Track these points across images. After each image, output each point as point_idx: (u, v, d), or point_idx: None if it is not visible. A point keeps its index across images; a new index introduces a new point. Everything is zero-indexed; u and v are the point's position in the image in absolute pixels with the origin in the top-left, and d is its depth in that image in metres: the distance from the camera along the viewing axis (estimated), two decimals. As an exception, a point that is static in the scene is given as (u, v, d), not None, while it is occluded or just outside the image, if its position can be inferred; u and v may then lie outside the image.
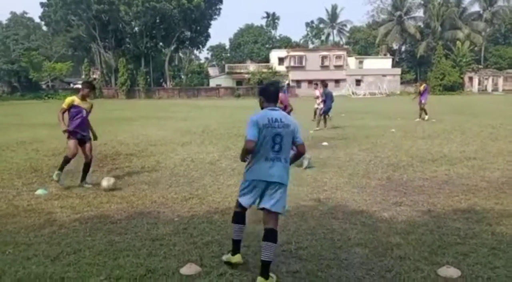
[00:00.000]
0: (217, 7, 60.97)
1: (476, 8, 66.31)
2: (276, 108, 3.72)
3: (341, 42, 77.17)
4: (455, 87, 55.14)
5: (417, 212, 5.23)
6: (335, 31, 78.49)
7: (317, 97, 16.01)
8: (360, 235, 4.47)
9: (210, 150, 10.48)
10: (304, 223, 4.90)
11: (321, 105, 15.27)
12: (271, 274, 3.47)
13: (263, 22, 79.99)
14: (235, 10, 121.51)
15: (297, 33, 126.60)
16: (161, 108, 29.73)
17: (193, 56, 79.99)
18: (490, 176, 7.10)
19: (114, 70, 56.46)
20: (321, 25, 79.49)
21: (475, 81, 59.02)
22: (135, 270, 3.65)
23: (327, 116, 15.24)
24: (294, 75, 57.60)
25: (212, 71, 67.86)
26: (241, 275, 3.56)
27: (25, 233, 4.64)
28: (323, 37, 79.52)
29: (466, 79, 58.35)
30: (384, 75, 58.03)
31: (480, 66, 60.64)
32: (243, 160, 3.81)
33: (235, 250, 3.74)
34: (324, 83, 16.22)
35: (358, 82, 58.15)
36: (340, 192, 6.24)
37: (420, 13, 67.73)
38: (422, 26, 66.08)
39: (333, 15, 76.61)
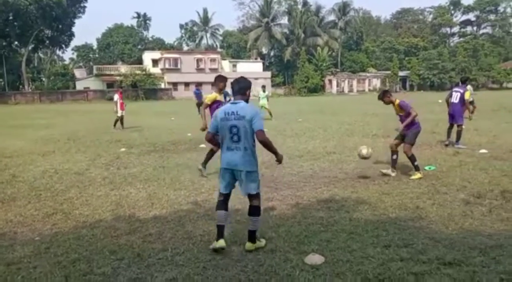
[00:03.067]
0: (82, 4, 56.66)
1: (332, 17, 74.02)
2: (238, 101, 4.07)
3: (215, 46, 78.53)
4: (317, 89, 60.71)
5: (287, 206, 5.61)
6: (208, 35, 79.52)
7: None
8: (235, 233, 4.59)
9: (77, 158, 9.69)
10: (181, 228, 4.85)
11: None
12: (260, 239, 4.19)
13: (134, 22, 77.03)
14: (102, 9, 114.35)
15: (170, 35, 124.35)
16: (18, 115, 26.47)
17: (55, 57, 73.12)
18: (347, 168, 7.97)
19: (-44, 73, 48.48)
20: (195, 28, 79.74)
21: (334, 83, 65.83)
22: (-16, 303, 3.18)
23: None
24: (169, 77, 56.68)
25: (78, 73, 62.76)
26: (113, 290, 3.37)
27: None
28: (197, 40, 79.91)
29: (326, 81, 64.77)
30: (256, 79, 60.59)
31: (337, 70, 67.84)
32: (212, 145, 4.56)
33: (219, 235, 4.07)
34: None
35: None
36: (217, 193, 6.30)
37: (285, 20, 72.87)
38: (287, 32, 71.04)
39: (205, 18, 77.46)
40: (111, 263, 3.87)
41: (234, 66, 62.68)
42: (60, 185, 7.10)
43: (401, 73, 69.07)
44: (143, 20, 77.22)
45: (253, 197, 4.15)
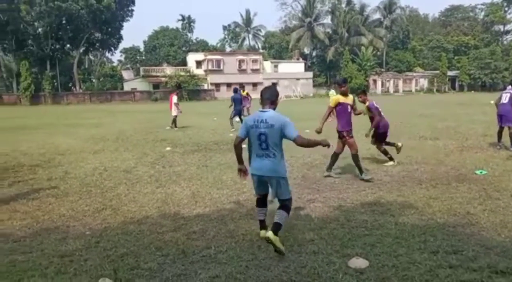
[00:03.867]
0: (129, 8, 58.91)
1: (377, 15, 72.28)
2: (266, 109, 4.12)
3: (257, 47, 78.95)
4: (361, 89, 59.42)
5: (329, 208, 5.53)
6: (250, 36, 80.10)
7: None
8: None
9: (125, 157, 10.06)
10: (224, 226, 4.91)
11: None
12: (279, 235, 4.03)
13: (179, 25, 78.94)
14: (149, 12, 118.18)
15: (213, 37, 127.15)
16: (71, 115, 27.87)
17: (104, 59, 76.31)
18: (393, 171, 7.75)
19: (16, 75, 51.68)
20: (237, 29, 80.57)
21: (379, 83, 64.22)
22: (41, 291, 3.38)
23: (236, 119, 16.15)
24: (212, 78, 57.65)
25: (126, 74, 65.21)
26: (159, 285, 3.47)
27: None
28: (239, 41, 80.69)
29: (370, 81, 63.30)
30: (298, 79, 60.53)
31: (382, 70, 66.16)
32: (236, 157, 4.53)
33: (262, 227, 4.40)
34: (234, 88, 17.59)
35: (274, 85, 59.95)
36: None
37: (328, 20, 72.03)
38: (330, 32, 70.18)
39: (248, 19, 78.09)
40: (157, 259, 3.98)
41: (276, 67, 62.73)
42: (109, 182, 7.41)
43: (450, 73, 66.32)
44: (188, 22, 78.96)
45: (285, 201, 4.22)
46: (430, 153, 9.44)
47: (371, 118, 8.05)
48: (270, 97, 4.20)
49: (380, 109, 8.13)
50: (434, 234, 4.45)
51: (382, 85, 64.85)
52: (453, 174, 7.31)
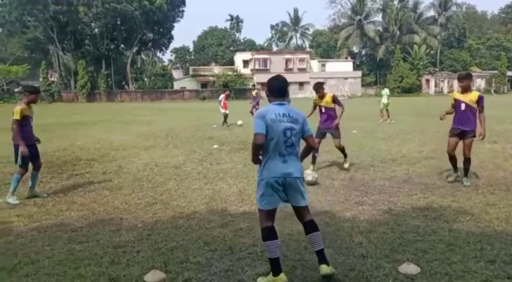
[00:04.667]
0: (180, 9, 60.51)
1: (431, 13, 69.40)
2: (284, 102, 3.59)
3: (304, 46, 78.40)
4: (412, 89, 57.33)
5: (378, 211, 5.38)
6: (298, 35, 79.64)
7: None
8: (324, 235, 4.50)
9: (174, 153, 10.35)
10: (270, 225, 4.91)
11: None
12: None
13: (227, 24, 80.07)
14: (198, 13, 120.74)
15: (261, 36, 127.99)
16: (123, 112, 29.08)
17: (156, 58, 78.84)
18: (447, 175, 7.40)
19: (74, 73, 54.75)
20: (285, 28, 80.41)
21: (432, 83, 61.60)
22: (97, 279, 3.55)
23: None
24: (259, 77, 57.86)
25: (176, 73, 67.08)
26: (207, 279, 3.54)
27: (-22, 244, 4.41)
28: (287, 40, 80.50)
29: (423, 81, 60.83)
30: (346, 78, 59.43)
31: (436, 69, 63.40)
32: (255, 160, 3.60)
33: (277, 269, 3.40)
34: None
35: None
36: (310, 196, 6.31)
37: (379, 17, 70.09)
38: (381, 30, 68.26)
39: (296, 18, 77.70)
40: (205, 254, 4.07)
41: (323, 66, 61.97)
42: (160, 177, 7.66)
43: (510, 73, 62.38)
44: (236, 22, 79.88)
45: (305, 210, 3.62)
46: (487, 157, 8.94)
47: (328, 112, 7.95)
48: (284, 89, 3.65)
49: None
50: (491, 242, 4.21)
51: (436, 85, 62.16)
52: (507, 180, 6.88)
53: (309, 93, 55.21)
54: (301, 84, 57.10)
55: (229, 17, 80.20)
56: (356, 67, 64.87)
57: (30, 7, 50.68)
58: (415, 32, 64.29)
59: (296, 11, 77.26)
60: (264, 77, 53.83)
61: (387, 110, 18.60)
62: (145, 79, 65.46)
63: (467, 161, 6.71)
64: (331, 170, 8.03)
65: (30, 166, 6.35)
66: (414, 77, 57.76)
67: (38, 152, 6.47)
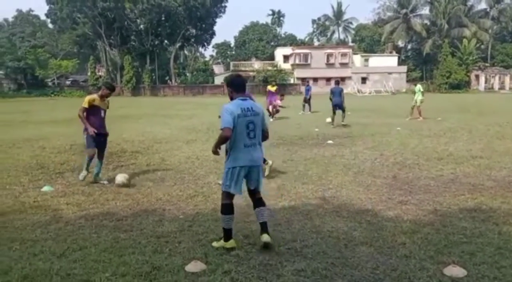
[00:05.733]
0: (222, 4, 60.97)
1: (483, 5, 66.00)
2: (246, 98, 4.10)
3: (347, 40, 76.90)
4: (461, 86, 54.82)
5: (423, 211, 5.21)
6: (340, 29, 78.28)
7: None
8: (365, 233, 4.45)
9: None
10: (309, 221, 4.89)
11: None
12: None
13: (269, 19, 79.90)
14: (240, 8, 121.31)
15: (302, 31, 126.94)
16: (166, 106, 29.79)
17: (198, 54, 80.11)
18: (497, 175, 7.05)
19: (120, 68, 56.69)
20: (327, 23, 79.22)
21: (482, 79, 58.57)
22: (140, 267, 3.66)
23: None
24: (299, 73, 57.49)
25: (217, 68, 67.89)
26: (246, 272, 3.56)
27: (32, 229, 4.67)
28: (328, 35, 79.31)
29: (472, 77, 57.95)
30: (390, 73, 57.79)
31: (486, 64, 60.17)
32: (215, 151, 4.16)
33: (229, 237, 4.05)
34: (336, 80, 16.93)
35: (363, 80, 57.99)
36: (345, 190, 6.22)
37: (426, 10, 67.48)
38: (428, 23, 65.68)
39: (339, 12, 76.33)
40: (244, 247, 4.10)
41: (366, 60, 60.55)
42: (201, 170, 7.79)
43: None
44: (277, 17, 79.58)
45: (258, 192, 4.19)
46: (542, 157, 8.43)
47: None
48: (243, 85, 4.20)
49: None
50: (546, 248, 3.97)
51: (486, 81, 59.06)
52: None
53: (351, 88, 54.26)
54: (342, 79, 55.96)
55: (270, 12, 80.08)
56: (401, 62, 62.82)
57: (80, 4, 52.89)
58: (465, 26, 61.33)
59: (339, 4, 76.00)
60: (305, 73, 53.23)
61: (418, 107, 17.25)
62: (187, 74, 66.78)
63: None
64: (373, 168, 7.85)
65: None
66: (462, 72, 55.16)
67: (105, 143, 7.08)
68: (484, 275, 3.45)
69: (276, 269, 3.63)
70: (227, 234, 4.04)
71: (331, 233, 4.49)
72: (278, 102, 17.89)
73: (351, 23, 77.47)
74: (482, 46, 63.16)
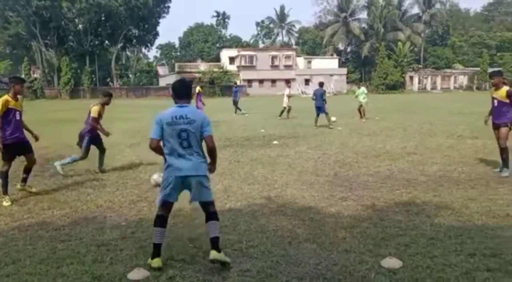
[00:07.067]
0: (166, 5, 59.90)
1: (415, 10, 70.14)
2: (185, 104, 3.80)
3: (290, 43, 78.45)
4: (397, 86, 57.93)
5: (362, 206, 5.45)
6: (284, 31, 79.69)
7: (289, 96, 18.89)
8: (309, 230, 4.58)
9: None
10: (255, 221, 4.94)
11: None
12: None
13: (213, 21, 79.59)
14: (184, 9, 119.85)
15: (247, 33, 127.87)
16: (108, 109, 28.63)
17: (141, 55, 78.06)
18: (429, 170, 7.53)
19: (57, 70, 53.75)
20: (271, 25, 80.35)
21: (416, 80, 62.32)
22: (79, 278, 3.52)
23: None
24: (245, 74, 57.80)
25: (161, 70, 66.47)
26: (191, 276, 3.53)
27: (-43, 244, 4.32)
28: (273, 37, 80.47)
29: (407, 78, 61.47)
30: (331, 75, 59.66)
31: (420, 66, 64.10)
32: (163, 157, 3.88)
33: (156, 254, 3.69)
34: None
35: (307, 81, 59.39)
36: (290, 189, 6.36)
37: (364, 14, 70.59)
38: (366, 27, 68.73)
39: (282, 15, 77.70)
40: (189, 251, 4.06)
41: (309, 62, 62.10)
42: (145, 174, 7.60)
43: (491, 70, 63.54)
44: (222, 18, 79.49)
45: (209, 204, 3.83)
46: (468, 152, 9.12)
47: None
48: (187, 91, 3.89)
49: None
50: (472, 236, 4.30)
51: (419, 82, 62.88)
52: (492, 174, 7.03)
53: (295, 90, 55.38)
54: (287, 81, 56.85)
55: (215, 14, 79.82)
56: (341, 64, 65.15)
57: (12, 3, 49.55)
58: (400, 30, 64.90)
59: (282, 7, 77.31)
60: (251, 74, 53.36)
61: (363, 107, 17.55)
62: (130, 76, 64.75)
63: (501, 151, 7.05)
64: (316, 166, 8.09)
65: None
66: (398, 74, 58.34)
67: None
68: (418, 265, 3.67)
69: (221, 271, 3.64)
70: (154, 250, 3.71)
71: (276, 231, 4.57)
72: (200, 104, 17.41)
73: (294, 26, 79.18)
74: (416, 49, 67.11)
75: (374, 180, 6.91)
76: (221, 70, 55.82)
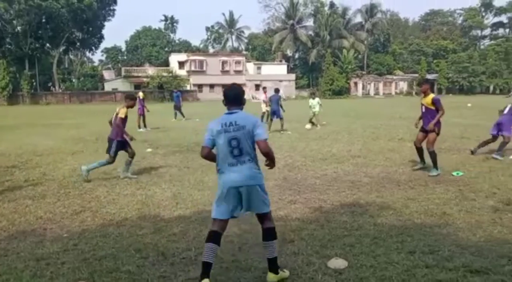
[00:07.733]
0: (111, 7, 58.14)
1: (359, 19, 73.22)
2: (235, 111, 3.59)
3: (240, 48, 78.91)
4: (342, 92, 60.11)
5: (310, 209, 5.58)
6: (233, 37, 80.00)
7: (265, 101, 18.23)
8: (258, 235, 4.55)
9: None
10: (205, 228, 4.86)
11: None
12: (284, 270, 3.60)
13: (161, 25, 78.23)
14: (131, 12, 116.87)
15: (196, 37, 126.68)
16: (49, 115, 27.31)
17: (85, 59, 75.15)
18: (372, 172, 7.86)
19: (-8, 74, 50.30)
20: (220, 30, 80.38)
21: (360, 86, 65.03)
22: (16, 295, 3.30)
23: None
24: (195, 79, 57.36)
25: (107, 74, 64.31)
26: (138, 287, 3.44)
27: None
28: (222, 42, 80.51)
29: (351, 84, 64.04)
30: (280, 81, 60.61)
31: (363, 72, 67.00)
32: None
33: (204, 273, 3.36)
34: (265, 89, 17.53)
35: (257, 87, 59.96)
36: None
37: (310, 22, 72.62)
38: (312, 34, 70.71)
39: (231, 21, 77.98)
40: (136, 261, 3.95)
41: (259, 68, 62.82)
42: (88, 183, 7.29)
43: (429, 76, 67.52)
44: (171, 23, 78.32)
45: (266, 217, 3.62)
46: (408, 154, 9.60)
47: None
48: (236, 97, 3.67)
49: None
50: (411, 234, 4.53)
51: (363, 88, 65.68)
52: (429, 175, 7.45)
53: (246, 95, 55.67)
54: (263, 87, 57.19)
55: (163, 18, 78.53)
56: (290, 70, 66.52)
57: None
58: (344, 37, 67.43)
59: (231, 13, 77.59)
60: (201, 79, 53.06)
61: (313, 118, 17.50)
62: (74, 80, 62.11)
63: (429, 154, 7.49)
64: (265, 170, 8.13)
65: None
66: (343, 80, 60.59)
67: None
68: (362, 264, 3.81)
69: (170, 280, 3.58)
70: (202, 269, 3.37)
71: (226, 237, 4.52)
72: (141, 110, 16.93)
73: (243, 32, 79.70)
74: (359, 56, 70.03)
75: (321, 182, 7.10)
76: (170, 74, 54.93)
